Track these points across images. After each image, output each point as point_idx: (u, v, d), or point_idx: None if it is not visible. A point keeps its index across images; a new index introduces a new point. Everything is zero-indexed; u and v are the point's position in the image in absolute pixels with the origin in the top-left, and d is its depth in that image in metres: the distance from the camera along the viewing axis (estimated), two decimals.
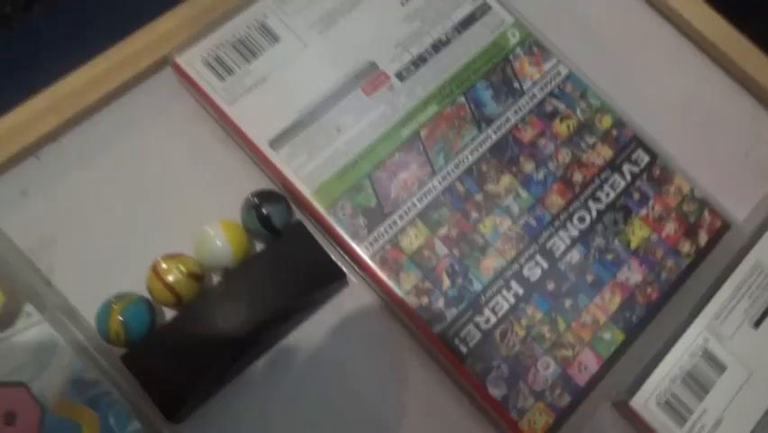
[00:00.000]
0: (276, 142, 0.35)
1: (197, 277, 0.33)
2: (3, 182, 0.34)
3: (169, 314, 0.34)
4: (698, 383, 0.35)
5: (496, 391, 0.33)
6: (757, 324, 0.37)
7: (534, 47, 0.40)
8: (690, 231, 0.38)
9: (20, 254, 0.33)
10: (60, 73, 0.46)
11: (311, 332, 0.35)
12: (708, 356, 0.36)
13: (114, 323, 0.31)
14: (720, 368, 0.36)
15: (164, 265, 0.32)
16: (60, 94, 0.36)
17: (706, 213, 0.39)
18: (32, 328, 0.30)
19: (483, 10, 0.41)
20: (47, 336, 0.30)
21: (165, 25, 0.38)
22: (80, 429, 0.29)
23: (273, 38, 0.38)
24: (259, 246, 0.35)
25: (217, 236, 0.33)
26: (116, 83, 0.36)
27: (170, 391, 0.30)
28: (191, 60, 0.36)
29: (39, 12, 0.54)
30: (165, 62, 0.38)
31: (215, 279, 0.35)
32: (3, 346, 0.30)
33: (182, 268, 0.32)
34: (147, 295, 0.33)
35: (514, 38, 0.40)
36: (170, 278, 0.32)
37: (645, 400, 0.35)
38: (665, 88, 0.43)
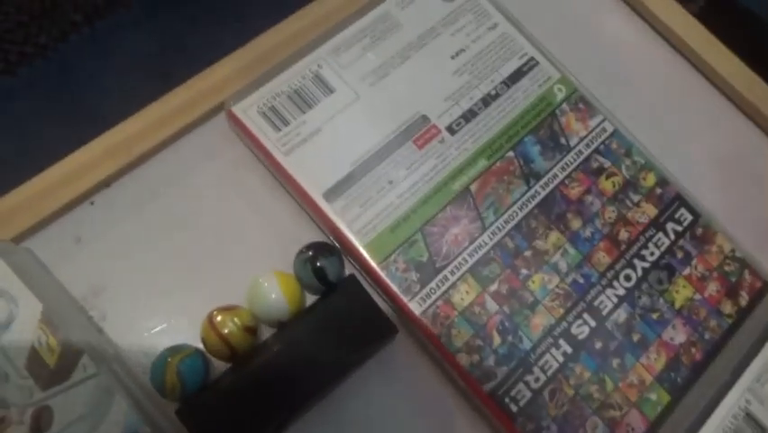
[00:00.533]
0: (330, 195, 0.36)
1: (252, 330, 0.33)
2: (58, 228, 0.34)
3: (221, 365, 0.33)
4: None
5: None
6: None
7: (580, 103, 0.41)
8: (732, 291, 0.39)
9: (74, 303, 0.33)
10: (96, 105, 0.46)
11: (359, 385, 0.35)
12: (751, 418, 0.36)
13: (170, 376, 0.31)
14: (762, 431, 0.36)
15: (219, 318, 0.32)
16: (115, 140, 0.36)
17: (746, 273, 0.39)
18: (87, 381, 0.30)
19: (531, 64, 0.41)
20: (103, 390, 0.30)
21: (219, 73, 0.38)
22: None
23: (327, 89, 0.38)
24: (310, 297, 0.35)
25: (272, 289, 0.33)
26: (170, 131, 0.37)
27: None
28: (247, 110, 0.37)
29: (76, 43, 0.54)
30: (217, 109, 0.38)
31: (267, 330, 0.34)
32: (59, 400, 0.29)
33: (237, 321, 0.32)
34: (200, 346, 0.33)
35: (561, 93, 0.41)
36: (225, 330, 0.32)
37: None
38: (707, 147, 0.44)
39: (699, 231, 0.40)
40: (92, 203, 0.35)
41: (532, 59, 0.42)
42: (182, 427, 0.31)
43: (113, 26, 0.54)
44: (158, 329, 0.33)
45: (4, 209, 0.34)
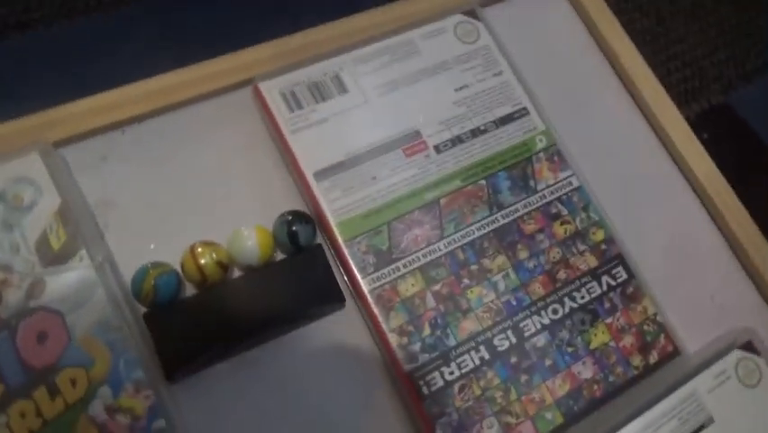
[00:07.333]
0: (320, 175, 0.42)
1: (224, 266, 0.38)
2: (89, 145, 0.41)
3: (191, 290, 0.39)
4: None
5: None
6: None
7: (556, 156, 0.47)
8: (644, 348, 0.44)
9: (86, 207, 0.39)
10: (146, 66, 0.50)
11: (301, 339, 0.40)
12: None
13: (147, 285, 0.36)
14: None
15: (200, 249, 0.38)
16: (154, 87, 0.42)
17: (662, 337, 0.44)
18: (80, 270, 0.36)
19: (521, 113, 0.47)
20: (90, 280, 0.36)
21: (252, 54, 0.45)
22: (94, 363, 0.34)
23: (342, 89, 0.44)
24: (280, 256, 0.41)
25: (250, 238, 0.39)
26: (201, 90, 0.43)
27: (175, 355, 0.36)
28: (271, 88, 0.43)
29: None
30: (246, 83, 0.44)
31: (237, 272, 0.40)
32: (53, 278, 0.35)
33: (214, 255, 0.38)
34: (179, 269, 0.38)
35: (541, 143, 0.47)
36: (203, 260, 0.38)
37: None
38: (657, 220, 0.49)
39: (630, 290, 0.45)
40: (123, 132, 0.42)
41: (524, 108, 0.47)
42: (146, 329, 0.36)
43: None
44: (148, 247, 0.39)
45: (52, 118, 0.40)
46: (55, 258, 0.36)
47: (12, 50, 0.53)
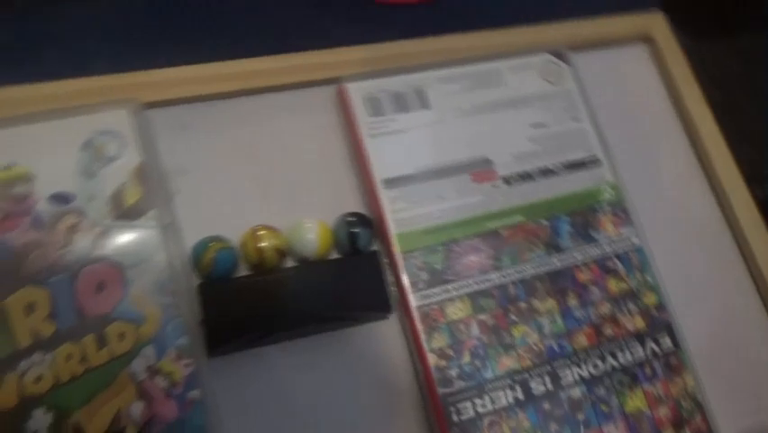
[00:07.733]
0: (389, 183, 0.42)
1: (281, 253, 0.39)
2: (174, 112, 0.41)
3: (245, 271, 0.39)
4: None
5: None
6: None
7: (621, 211, 0.46)
8: (679, 423, 0.42)
9: (161, 171, 0.40)
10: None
11: (341, 340, 0.40)
12: None
13: (207, 257, 0.37)
14: None
15: (261, 232, 0.38)
16: (249, 69, 0.43)
17: (698, 416, 0.43)
18: (148, 229, 0.36)
19: (593, 161, 0.47)
20: (155, 241, 0.36)
21: (343, 55, 0.46)
22: (144, 322, 0.35)
23: (424, 104, 0.45)
24: (334, 255, 0.41)
25: (311, 231, 0.39)
26: (289, 80, 0.44)
27: (220, 330, 0.36)
28: (356, 90, 0.44)
29: None
30: (330, 81, 0.45)
31: (291, 263, 0.40)
32: (119, 232, 0.36)
33: (274, 241, 0.38)
34: (238, 248, 0.39)
35: (608, 195, 0.46)
36: (263, 244, 0.38)
37: None
38: (710, 296, 0.48)
39: (674, 361, 0.44)
40: (207, 105, 0.42)
41: (597, 158, 0.47)
42: (197, 299, 0.36)
43: None
44: (211, 220, 0.40)
45: (144, 80, 0.41)
46: (126, 213, 0.36)
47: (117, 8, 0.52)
